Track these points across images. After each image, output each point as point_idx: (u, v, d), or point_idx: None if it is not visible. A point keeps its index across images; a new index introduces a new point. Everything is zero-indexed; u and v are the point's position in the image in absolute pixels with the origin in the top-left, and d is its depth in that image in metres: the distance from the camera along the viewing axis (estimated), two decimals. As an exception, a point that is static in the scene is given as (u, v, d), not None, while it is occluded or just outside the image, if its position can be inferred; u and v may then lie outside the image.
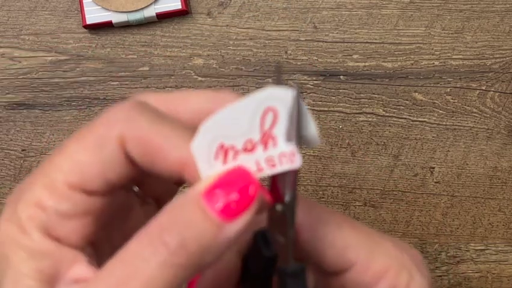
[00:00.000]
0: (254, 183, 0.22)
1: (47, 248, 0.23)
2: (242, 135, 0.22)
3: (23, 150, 0.50)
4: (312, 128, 0.23)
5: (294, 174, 0.23)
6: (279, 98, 0.22)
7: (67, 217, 0.23)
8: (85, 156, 0.23)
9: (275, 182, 0.23)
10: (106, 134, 0.23)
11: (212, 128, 0.23)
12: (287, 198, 0.23)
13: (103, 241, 0.25)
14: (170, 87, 0.50)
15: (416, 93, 0.50)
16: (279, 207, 0.23)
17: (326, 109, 0.50)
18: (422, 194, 0.49)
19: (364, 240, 0.26)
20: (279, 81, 0.24)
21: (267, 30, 0.50)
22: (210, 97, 0.25)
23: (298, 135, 0.22)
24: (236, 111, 0.22)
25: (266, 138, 0.22)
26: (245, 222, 0.22)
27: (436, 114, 0.50)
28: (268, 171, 0.23)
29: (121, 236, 0.26)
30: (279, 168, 0.22)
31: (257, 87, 0.50)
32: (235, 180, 0.22)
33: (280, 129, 0.22)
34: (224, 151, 0.23)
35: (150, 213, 0.27)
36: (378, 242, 0.26)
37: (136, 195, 0.28)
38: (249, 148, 0.22)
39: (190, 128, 0.23)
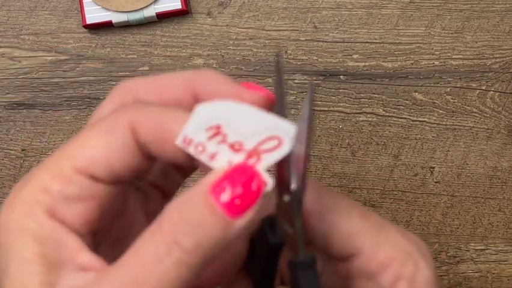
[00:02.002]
0: (258, 178, 0.22)
1: (52, 232, 0.23)
2: (240, 134, 0.23)
3: (23, 150, 0.50)
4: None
5: (302, 163, 0.23)
6: (286, 132, 0.23)
7: (73, 200, 0.23)
8: (93, 142, 0.24)
9: (282, 172, 0.23)
10: (117, 120, 0.24)
11: (224, 109, 0.23)
12: (293, 187, 0.23)
13: (101, 231, 0.25)
14: (170, 87, 0.50)
15: (416, 93, 0.50)
16: (286, 197, 0.23)
17: (326, 109, 0.50)
18: (422, 194, 0.49)
19: (372, 228, 0.26)
20: (279, 75, 0.24)
21: (267, 30, 0.50)
22: (192, 80, 0.26)
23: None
24: (251, 114, 0.23)
25: (254, 153, 0.23)
26: (252, 216, 0.22)
27: (436, 114, 0.50)
28: (260, 166, 0.23)
29: (119, 227, 0.26)
30: (268, 159, 0.23)
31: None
32: (240, 176, 0.22)
33: (271, 160, 0.23)
34: (216, 131, 0.23)
35: (144, 203, 0.28)
36: (386, 231, 0.26)
37: (131, 184, 0.28)
38: (235, 147, 0.23)
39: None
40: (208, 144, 0.23)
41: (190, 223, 0.22)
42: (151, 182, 0.29)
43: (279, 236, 0.25)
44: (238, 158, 0.23)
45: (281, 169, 0.23)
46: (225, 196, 0.22)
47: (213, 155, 0.23)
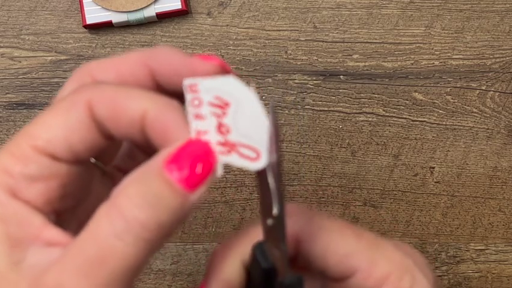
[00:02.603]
0: (211, 153, 0.23)
1: (15, 211, 0.23)
2: (235, 124, 0.23)
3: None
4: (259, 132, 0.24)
5: (279, 188, 0.23)
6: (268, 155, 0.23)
7: (33, 180, 0.23)
8: (52, 121, 0.24)
9: (264, 197, 0.24)
10: (74, 99, 0.24)
11: (245, 96, 0.24)
12: (275, 211, 0.23)
13: (66, 212, 0.25)
14: (170, 87, 0.50)
15: (416, 93, 0.50)
16: (269, 221, 0.24)
17: (326, 109, 0.50)
18: (422, 194, 0.49)
19: (366, 246, 0.26)
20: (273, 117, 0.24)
21: (267, 30, 0.50)
22: (146, 55, 0.26)
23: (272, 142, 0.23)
24: (258, 116, 0.24)
25: (229, 145, 0.24)
26: (205, 190, 0.23)
27: (436, 114, 0.50)
28: (222, 158, 0.24)
29: (85, 210, 0.27)
30: (234, 160, 0.24)
31: (257, 87, 0.50)
32: (194, 151, 0.23)
33: (236, 162, 0.23)
34: (221, 105, 0.24)
35: (111, 187, 0.28)
36: (380, 247, 0.26)
37: (97, 167, 0.28)
38: (221, 129, 0.24)
39: (150, 91, 0.24)
40: (205, 107, 0.23)
41: (148, 198, 0.22)
42: (117, 166, 0.29)
43: (270, 261, 0.25)
44: (213, 137, 0.23)
45: (263, 195, 0.24)
46: (182, 171, 0.22)
47: (199, 116, 0.24)
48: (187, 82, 0.24)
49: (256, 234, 0.25)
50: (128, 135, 0.24)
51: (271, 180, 0.23)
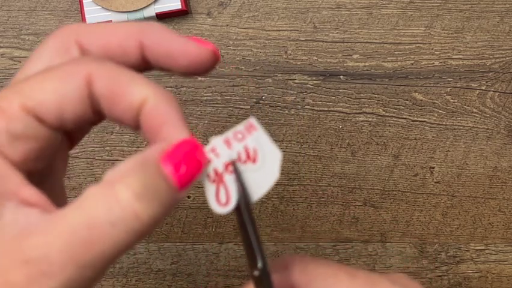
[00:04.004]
0: (203, 154, 0.24)
1: None
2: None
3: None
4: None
5: (259, 241, 0.25)
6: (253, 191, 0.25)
7: (15, 137, 0.23)
8: (48, 84, 0.24)
9: (249, 250, 0.25)
10: (74, 69, 0.24)
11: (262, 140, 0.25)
12: (259, 264, 0.24)
13: (34, 176, 0.25)
14: (171, 87, 0.50)
15: (416, 93, 0.50)
16: (256, 272, 0.25)
17: (326, 109, 0.50)
18: (422, 194, 0.49)
19: (362, 286, 0.26)
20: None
21: (267, 30, 0.50)
22: (136, 28, 0.26)
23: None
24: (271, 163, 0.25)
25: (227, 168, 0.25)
26: (190, 189, 0.24)
27: (436, 114, 0.50)
28: (204, 179, 0.25)
29: (49, 178, 0.27)
30: (208, 189, 0.25)
31: (257, 87, 0.50)
32: (188, 150, 0.24)
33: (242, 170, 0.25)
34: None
35: (64, 163, 0.28)
36: (377, 284, 0.26)
37: (66, 141, 0.28)
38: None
39: (151, 80, 0.25)
40: (241, 145, 0.25)
41: (146, 190, 0.22)
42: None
43: None
44: (217, 162, 0.25)
45: (247, 247, 0.25)
46: (176, 167, 0.23)
47: (228, 143, 0.25)
48: (253, 120, 0.25)
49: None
50: (119, 118, 0.24)
51: (252, 235, 0.25)
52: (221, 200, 0.24)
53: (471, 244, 0.49)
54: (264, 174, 0.24)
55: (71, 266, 0.21)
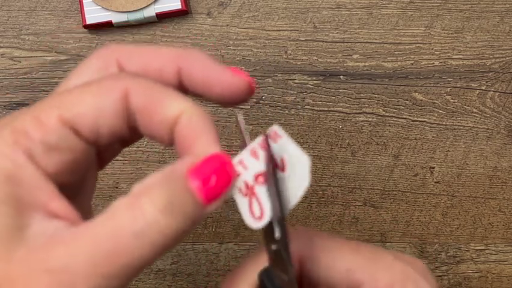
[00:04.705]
0: (232, 169, 0.24)
1: (30, 174, 0.23)
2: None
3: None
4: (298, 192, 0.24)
5: (280, 210, 0.24)
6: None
7: (51, 148, 0.23)
8: (86, 98, 0.24)
9: (269, 224, 0.24)
10: (112, 84, 0.24)
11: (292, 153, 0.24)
12: (277, 236, 0.24)
13: (66, 190, 0.25)
14: (170, 87, 0.50)
15: (416, 93, 0.50)
16: (273, 246, 0.24)
17: (326, 109, 0.50)
18: (422, 194, 0.49)
19: (367, 260, 0.26)
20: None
21: (267, 30, 0.50)
22: (177, 53, 0.26)
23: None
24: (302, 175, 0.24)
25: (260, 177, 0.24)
26: (219, 204, 0.24)
27: (436, 114, 0.50)
28: (235, 193, 0.24)
29: (79, 194, 0.27)
30: (241, 204, 0.24)
31: (257, 87, 0.50)
32: (217, 165, 0.23)
33: (259, 195, 0.24)
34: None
35: (94, 179, 0.28)
36: (381, 258, 0.26)
37: (98, 157, 0.28)
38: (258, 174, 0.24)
39: (186, 95, 0.25)
40: (266, 154, 0.24)
41: (171, 205, 0.22)
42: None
43: (277, 286, 0.25)
44: (246, 175, 0.24)
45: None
46: (204, 182, 0.23)
47: (255, 154, 0.25)
48: (277, 128, 0.24)
49: (261, 262, 0.26)
50: (154, 133, 0.24)
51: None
52: (255, 214, 0.24)
53: (471, 244, 0.49)
54: (295, 181, 0.24)
55: (95, 278, 0.21)
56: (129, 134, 0.25)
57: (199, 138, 0.24)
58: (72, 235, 0.22)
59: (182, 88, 0.26)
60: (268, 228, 0.24)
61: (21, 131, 0.23)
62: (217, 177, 0.23)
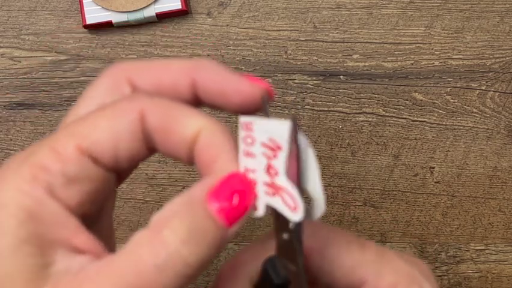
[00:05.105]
0: (251, 187, 0.23)
1: (52, 211, 0.22)
2: (283, 167, 0.23)
3: (23, 150, 0.50)
4: (316, 186, 0.23)
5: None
6: (306, 209, 0.23)
7: (71, 180, 0.23)
8: (102, 124, 0.23)
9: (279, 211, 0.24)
10: (127, 106, 0.23)
11: (302, 142, 0.23)
12: (291, 225, 0.23)
13: (88, 219, 0.24)
14: (170, 87, 0.50)
15: (416, 93, 0.50)
16: (285, 235, 0.23)
17: (326, 109, 0.50)
18: (422, 194, 0.49)
19: (372, 258, 0.26)
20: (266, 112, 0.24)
21: (267, 30, 0.50)
22: (189, 66, 0.25)
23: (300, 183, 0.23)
24: (312, 168, 0.23)
25: (274, 188, 0.23)
26: (242, 224, 0.23)
27: (436, 114, 0.50)
28: (264, 198, 0.23)
29: (100, 218, 0.26)
30: (276, 203, 0.23)
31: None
32: (235, 184, 0.23)
33: (276, 207, 0.23)
34: (274, 147, 0.23)
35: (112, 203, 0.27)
36: (387, 258, 0.26)
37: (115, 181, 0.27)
38: (270, 170, 0.23)
39: (204, 112, 0.24)
40: (258, 146, 0.23)
41: (193, 233, 0.22)
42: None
43: (282, 276, 0.25)
44: (260, 176, 0.23)
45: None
46: (224, 203, 0.22)
47: (250, 154, 0.23)
48: (243, 119, 0.23)
49: (261, 252, 0.25)
50: (173, 152, 0.24)
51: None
52: (291, 206, 0.23)
53: (471, 244, 0.49)
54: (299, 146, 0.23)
55: None
56: (148, 154, 0.24)
57: (218, 157, 0.23)
58: (96, 271, 0.22)
59: (198, 100, 0.26)
60: (282, 216, 0.23)
61: (39, 165, 0.22)
62: (238, 196, 0.23)
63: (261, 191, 0.23)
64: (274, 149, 0.23)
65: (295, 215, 0.22)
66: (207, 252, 0.22)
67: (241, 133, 0.23)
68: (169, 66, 0.26)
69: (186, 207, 0.22)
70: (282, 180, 0.23)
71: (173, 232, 0.22)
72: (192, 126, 0.23)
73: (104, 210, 0.27)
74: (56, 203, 0.22)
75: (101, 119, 0.23)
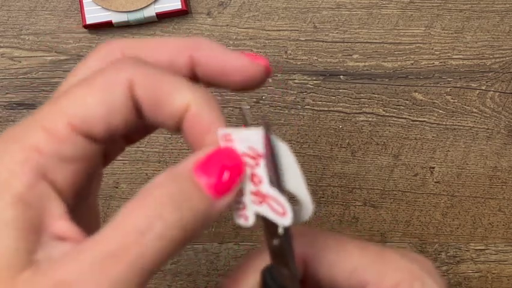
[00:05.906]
0: (240, 161, 0.23)
1: (41, 194, 0.22)
2: (265, 175, 0.23)
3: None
4: (298, 186, 0.23)
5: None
6: (295, 213, 0.23)
7: (66, 161, 0.22)
8: (91, 99, 0.23)
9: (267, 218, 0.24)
10: (115, 77, 0.23)
11: (276, 145, 0.23)
12: (280, 230, 0.23)
13: (76, 200, 0.24)
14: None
15: (416, 93, 0.50)
16: (275, 241, 0.23)
17: (326, 109, 0.50)
18: (422, 194, 0.49)
19: (372, 258, 0.26)
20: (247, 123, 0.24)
21: (267, 30, 0.50)
22: (186, 43, 0.25)
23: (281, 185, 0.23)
24: (294, 171, 0.23)
25: (261, 196, 0.23)
26: (232, 198, 0.23)
27: (436, 114, 0.50)
28: (253, 207, 0.23)
29: (87, 197, 0.26)
30: (264, 211, 0.23)
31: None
32: (224, 158, 0.23)
33: (266, 214, 0.23)
34: (255, 155, 0.23)
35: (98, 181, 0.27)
36: (387, 257, 0.26)
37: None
38: (255, 179, 0.23)
39: (193, 82, 0.24)
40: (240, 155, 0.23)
41: (174, 198, 0.22)
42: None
43: (280, 284, 0.25)
44: (246, 185, 0.23)
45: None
46: (210, 176, 0.22)
47: None
48: (221, 132, 0.23)
49: (263, 260, 0.25)
50: (162, 123, 0.24)
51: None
52: (279, 211, 0.23)
53: (471, 244, 0.49)
54: (279, 151, 0.23)
55: (106, 283, 0.20)
56: (141, 123, 0.24)
57: (207, 130, 0.23)
58: (78, 250, 0.21)
59: (195, 79, 0.25)
60: (270, 223, 0.23)
61: (32, 146, 0.22)
62: (226, 170, 0.22)
63: (248, 200, 0.23)
64: (255, 157, 0.23)
65: (285, 220, 0.23)
66: (190, 217, 0.22)
67: (222, 145, 0.23)
68: (166, 44, 0.25)
69: (173, 177, 0.22)
70: (267, 188, 0.23)
71: (154, 198, 0.22)
72: (181, 99, 0.23)
73: (91, 188, 0.26)
74: (45, 186, 0.22)
75: (88, 93, 0.23)
